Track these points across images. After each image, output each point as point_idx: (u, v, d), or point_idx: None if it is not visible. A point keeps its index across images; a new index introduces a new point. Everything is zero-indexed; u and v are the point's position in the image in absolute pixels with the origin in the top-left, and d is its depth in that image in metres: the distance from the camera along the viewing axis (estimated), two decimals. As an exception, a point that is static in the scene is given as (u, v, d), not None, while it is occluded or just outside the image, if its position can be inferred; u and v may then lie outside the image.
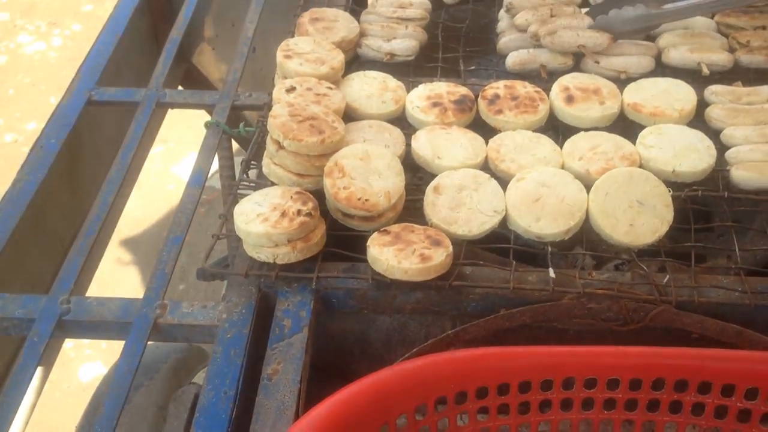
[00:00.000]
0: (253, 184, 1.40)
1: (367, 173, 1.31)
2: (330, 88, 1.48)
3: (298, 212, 1.23)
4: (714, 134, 1.46)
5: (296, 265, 1.24)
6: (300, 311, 1.20)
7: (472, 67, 1.72)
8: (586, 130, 1.47)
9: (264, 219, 1.23)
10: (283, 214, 1.23)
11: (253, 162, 1.43)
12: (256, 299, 1.22)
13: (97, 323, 1.20)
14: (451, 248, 1.23)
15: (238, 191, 1.38)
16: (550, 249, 1.28)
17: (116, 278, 3.51)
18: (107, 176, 1.41)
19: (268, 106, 1.54)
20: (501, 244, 1.30)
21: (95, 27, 4.94)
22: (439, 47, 1.71)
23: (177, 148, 4.06)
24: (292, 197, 1.27)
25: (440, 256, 1.20)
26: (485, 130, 1.49)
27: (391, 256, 1.20)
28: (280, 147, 1.33)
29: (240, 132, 1.53)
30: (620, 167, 1.35)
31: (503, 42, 1.68)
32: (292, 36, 1.71)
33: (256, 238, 1.22)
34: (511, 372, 1.11)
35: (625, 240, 1.27)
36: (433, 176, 1.38)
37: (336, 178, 1.29)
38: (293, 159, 1.32)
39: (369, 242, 1.24)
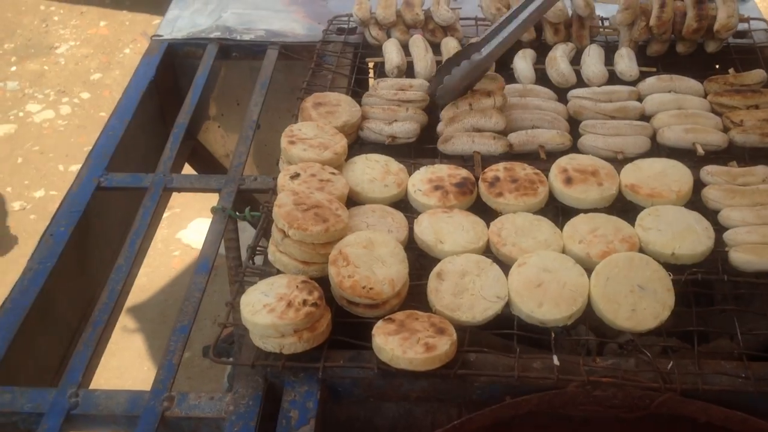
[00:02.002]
0: (258, 271, 1.42)
1: (371, 261, 1.33)
2: (333, 173, 1.52)
3: (304, 302, 1.25)
4: (711, 214, 1.48)
5: (302, 355, 1.25)
6: (307, 402, 1.21)
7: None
8: (585, 211, 1.50)
9: (270, 309, 1.24)
10: (289, 305, 1.25)
11: (259, 247, 1.46)
12: (263, 390, 1.24)
13: (105, 417, 1.21)
14: (455, 336, 1.24)
15: (245, 278, 1.41)
16: (553, 335, 1.29)
17: (122, 345, 3.51)
18: (116, 264, 1.44)
19: (273, 190, 1.58)
20: (504, 330, 1.31)
21: (103, 95, 5.06)
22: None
23: (183, 214, 4.09)
24: (297, 286, 1.29)
25: (444, 345, 1.22)
26: (487, 212, 1.52)
27: (396, 346, 1.21)
28: (286, 235, 1.35)
29: (246, 217, 1.56)
30: (621, 251, 1.37)
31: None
32: (296, 119, 1.76)
33: (263, 329, 1.23)
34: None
35: (627, 325, 1.28)
36: (436, 260, 1.40)
37: (340, 267, 1.32)
38: (298, 247, 1.34)
39: (374, 331, 1.25)
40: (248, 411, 1.20)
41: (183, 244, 3.93)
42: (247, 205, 1.60)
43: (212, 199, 1.65)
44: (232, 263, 1.85)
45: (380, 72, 1.93)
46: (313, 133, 1.61)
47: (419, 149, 1.71)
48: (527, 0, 1.64)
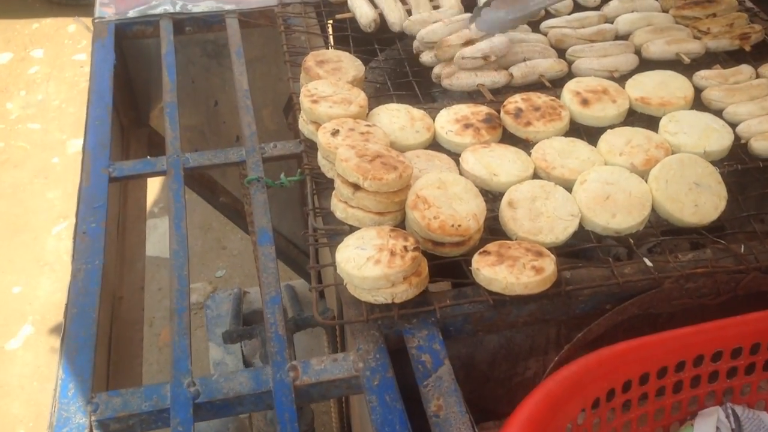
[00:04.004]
0: (323, 231, 1.39)
1: (449, 200, 1.34)
2: (368, 125, 1.50)
3: (405, 248, 1.24)
4: (715, 114, 1.61)
5: (407, 302, 1.25)
6: (433, 344, 1.21)
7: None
8: (604, 128, 1.58)
9: (376, 261, 1.22)
10: (392, 253, 1.23)
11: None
12: (384, 342, 1.22)
13: (232, 400, 1.15)
14: (553, 256, 1.28)
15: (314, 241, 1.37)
16: (632, 242, 1.37)
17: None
18: (172, 248, 1.35)
19: (306, 153, 1.53)
20: (585, 245, 1.37)
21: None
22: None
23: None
24: (390, 235, 1.27)
25: (550, 265, 1.25)
26: (513, 143, 1.56)
27: (507, 274, 1.24)
28: (357, 189, 1.33)
29: (283, 183, 1.51)
30: (659, 157, 1.46)
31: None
32: (291, 82, 1.71)
33: (374, 281, 1.21)
34: (652, 360, 1.19)
35: (693, 220, 1.38)
36: (487, 194, 1.43)
37: (423, 210, 1.31)
38: (374, 198, 1.32)
39: (477, 265, 1.26)
40: (379, 364, 1.18)
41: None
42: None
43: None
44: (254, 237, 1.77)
45: (353, 28, 1.91)
46: (330, 90, 1.57)
47: (412, 96, 1.71)
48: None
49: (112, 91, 1.72)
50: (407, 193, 1.35)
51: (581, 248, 1.37)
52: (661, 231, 1.41)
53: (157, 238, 3.77)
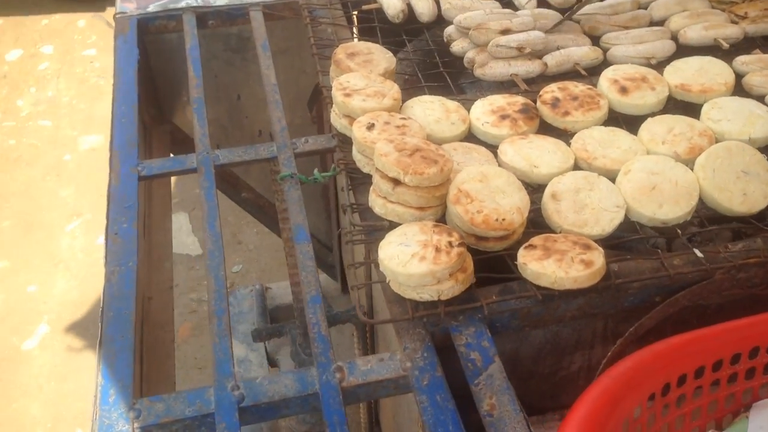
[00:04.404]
0: (361, 228, 1.35)
1: (491, 194, 1.30)
2: (404, 118, 1.46)
3: (450, 244, 1.21)
4: (757, 100, 1.57)
5: (453, 299, 1.21)
6: (482, 342, 1.18)
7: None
8: (643, 117, 1.54)
9: (421, 258, 1.19)
10: (437, 249, 1.20)
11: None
12: (431, 340, 1.19)
13: (277, 403, 1.12)
14: (601, 249, 1.25)
15: (353, 238, 1.34)
16: (680, 232, 1.33)
17: (73, 367, 3.23)
18: (207, 249, 1.32)
19: (340, 148, 1.50)
20: (632, 236, 1.33)
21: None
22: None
23: (96, 218, 3.80)
24: (433, 231, 1.24)
25: (599, 258, 1.22)
26: (550, 134, 1.52)
27: (556, 268, 1.20)
28: (397, 184, 1.29)
29: (317, 179, 1.47)
30: (704, 145, 1.43)
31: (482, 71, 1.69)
32: (320, 75, 1.67)
33: (420, 278, 1.18)
34: (708, 353, 1.16)
35: (742, 209, 1.34)
36: (527, 187, 1.39)
37: (466, 204, 1.28)
38: (414, 193, 1.29)
39: (523, 259, 1.23)
40: (427, 363, 1.15)
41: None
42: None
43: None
44: (287, 235, 1.74)
45: (379, 19, 1.87)
46: (363, 83, 1.53)
47: (443, 87, 1.68)
48: None
49: (137, 87, 1.69)
50: (448, 188, 1.32)
51: (627, 240, 1.33)
52: (697, 220, 1.37)
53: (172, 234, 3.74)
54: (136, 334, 1.21)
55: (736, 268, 1.25)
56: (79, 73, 4.81)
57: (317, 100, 2.15)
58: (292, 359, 2.06)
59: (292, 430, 1.99)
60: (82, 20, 5.21)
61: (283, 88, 2.03)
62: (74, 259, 3.61)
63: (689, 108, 1.57)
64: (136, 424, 1.08)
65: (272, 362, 2.38)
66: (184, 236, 3.72)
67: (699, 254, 1.27)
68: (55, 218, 3.89)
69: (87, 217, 3.82)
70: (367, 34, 1.84)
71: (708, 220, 1.37)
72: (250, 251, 3.66)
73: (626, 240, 1.33)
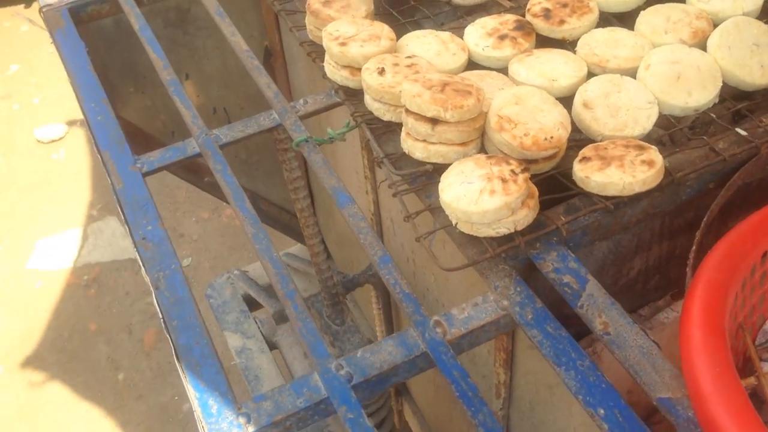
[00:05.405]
0: (400, 177, 1.29)
1: (531, 114, 1.26)
2: (409, 57, 1.39)
3: (513, 172, 1.16)
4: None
5: (525, 228, 1.17)
6: (569, 263, 1.15)
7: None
8: (631, 12, 1.53)
9: (491, 191, 1.14)
10: (503, 180, 1.15)
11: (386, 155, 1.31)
12: (518, 274, 1.15)
13: (386, 372, 1.06)
14: (654, 146, 1.23)
15: (400, 189, 1.27)
16: (714, 116, 1.33)
17: (39, 402, 3.01)
18: (251, 234, 1.22)
19: (349, 101, 1.41)
20: (671, 130, 1.32)
21: None
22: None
23: (20, 242, 3.53)
24: (490, 163, 1.19)
25: (658, 156, 1.20)
26: (546, 46, 1.49)
27: (622, 174, 1.18)
28: (435, 123, 1.23)
29: (333, 137, 1.38)
30: (705, 28, 1.43)
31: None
32: (297, 30, 1.57)
33: (495, 212, 1.13)
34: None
35: (763, 81, 1.35)
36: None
37: (511, 130, 1.23)
38: (456, 129, 1.23)
39: (584, 173, 1.20)
40: (524, 297, 1.11)
41: (41, 273, 3.41)
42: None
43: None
44: (302, 204, 1.64)
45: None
46: (353, 28, 1.45)
47: (412, 23, 1.61)
48: None
49: (98, 80, 1.53)
50: (484, 118, 1.26)
51: (669, 133, 1.32)
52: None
53: (106, 242, 3.54)
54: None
55: (779, 139, 1.27)
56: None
57: (268, 63, 2.03)
58: (322, 332, 1.98)
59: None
60: None
61: (233, 56, 1.90)
62: (7, 290, 3.35)
63: (666, -2, 1.57)
64: (249, 429, 1.00)
65: (271, 345, 2.29)
66: (119, 241, 3.51)
67: (743, 132, 1.28)
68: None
69: (6, 242, 3.54)
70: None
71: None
72: (195, 242, 3.51)
73: (669, 133, 1.32)
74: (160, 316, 1.12)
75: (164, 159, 1.38)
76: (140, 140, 1.97)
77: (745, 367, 1.20)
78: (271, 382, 2.16)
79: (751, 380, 1.12)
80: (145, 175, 1.35)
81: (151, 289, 1.16)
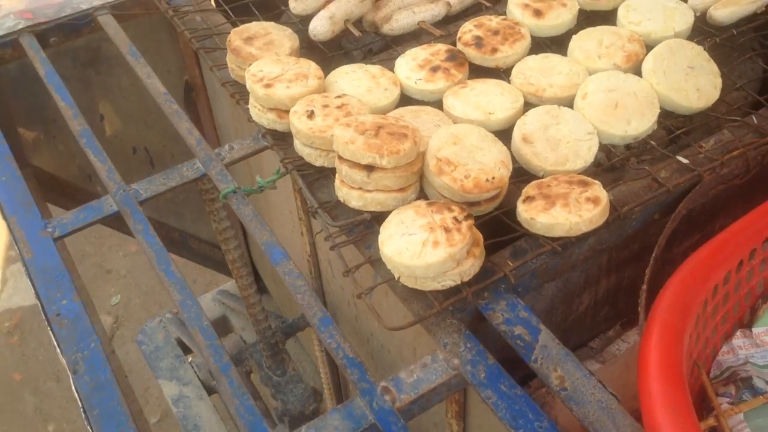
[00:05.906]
0: (337, 228, 1.21)
1: (470, 154, 1.20)
2: (339, 96, 1.31)
3: (456, 219, 1.10)
4: (659, -6, 1.56)
5: (472, 278, 1.11)
6: (519, 313, 1.09)
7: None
8: (561, 36, 1.49)
9: (434, 243, 1.07)
10: (446, 229, 1.09)
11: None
12: (467, 327, 1.08)
13: (425, 395, 1.01)
14: (598, 182, 1.19)
15: (337, 241, 1.19)
16: (654, 143, 1.30)
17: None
18: (178, 301, 1.13)
19: (278, 146, 1.33)
20: (613, 160, 1.28)
21: None
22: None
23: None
24: (430, 210, 1.12)
25: (603, 192, 1.16)
26: (478, 76, 1.43)
27: (568, 215, 1.13)
28: (371, 170, 1.16)
29: (263, 186, 1.30)
30: (638, 51, 1.40)
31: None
32: (218, 69, 1.48)
33: (440, 265, 1.06)
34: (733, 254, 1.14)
35: (701, 104, 1.33)
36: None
37: (451, 173, 1.17)
38: (393, 175, 1.16)
39: (528, 214, 1.14)
40: (475, 354, 1.05)
41: (11, 311, 3.20)
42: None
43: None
44: (233, 255, 1.54)
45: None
46: (277, 68, 1.36)
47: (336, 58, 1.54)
48: None
49: (1, 133, 1.42)
50: (422, 161, 1.20)
51: (612, 163, 1.28)
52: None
53: (27, 284, 3.33)
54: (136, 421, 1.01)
55: (721, 165, 1.24)
56: None
57: (190, 97, 1.93)
58: (263, 384, 1.88)
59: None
60: None
61: (148, 95, 1.80)
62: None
63: (600, 18, 1.54)
64: None
65: (210, 390, 2.18)
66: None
67: (684, 160, 1.25)
68: None
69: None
70: (243, 13, 1.65)
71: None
72: (124, 277, 3.35)
73: (612, 164, 1.28)
74: (80, 404, 1.02)
75: (78, 220, 1.27)
76: (55, 188, 1.85)
77: (702, 405, 1.17)
78: (212, 431, 2.06)
79: (711, 421, 1.09)
80: (57, 239, 1.24)
81: (69, 373, 1.05)
